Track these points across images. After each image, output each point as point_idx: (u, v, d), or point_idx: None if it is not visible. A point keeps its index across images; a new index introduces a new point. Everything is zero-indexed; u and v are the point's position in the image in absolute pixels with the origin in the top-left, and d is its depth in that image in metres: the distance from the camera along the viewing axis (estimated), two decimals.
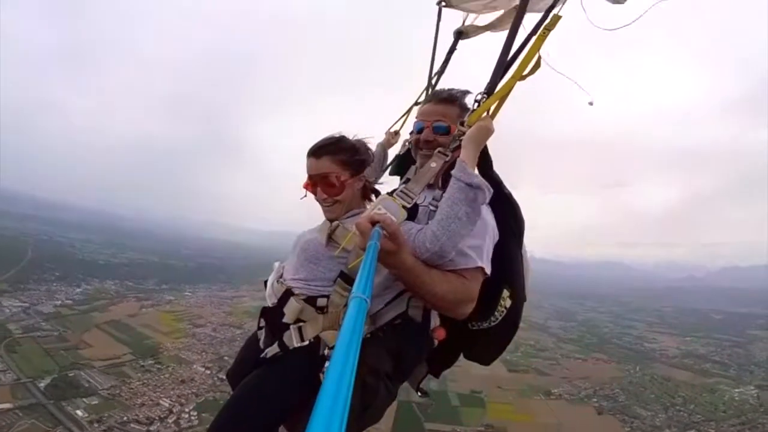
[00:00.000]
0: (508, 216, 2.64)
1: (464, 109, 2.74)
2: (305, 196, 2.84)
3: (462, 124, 2.47)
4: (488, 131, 2.41)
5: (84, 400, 55.39)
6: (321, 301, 2.49)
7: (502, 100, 2.49)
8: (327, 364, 2.32)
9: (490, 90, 2.49)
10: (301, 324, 2.47)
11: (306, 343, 2.44)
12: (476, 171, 2.32)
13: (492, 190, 2.27)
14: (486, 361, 2.86)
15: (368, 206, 2.64)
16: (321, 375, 2.30)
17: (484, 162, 2.61)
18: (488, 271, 2.40)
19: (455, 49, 3.56)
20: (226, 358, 70.20)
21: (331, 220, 2.67)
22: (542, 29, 2.50)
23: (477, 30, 3.49)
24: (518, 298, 2.64)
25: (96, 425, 51.09)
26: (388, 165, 3.64)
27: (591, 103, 2.69)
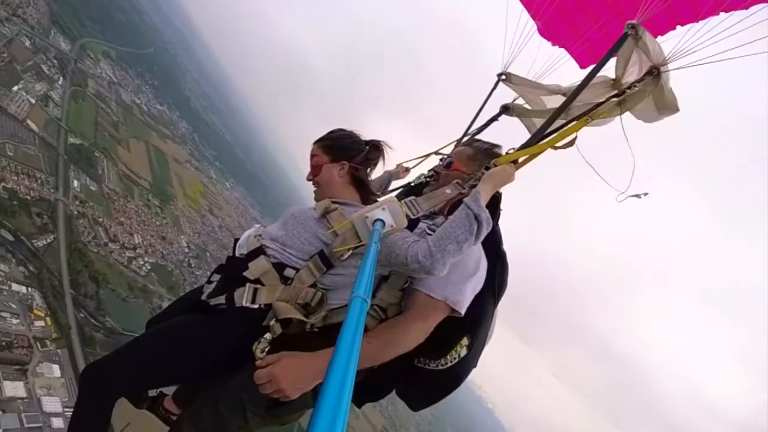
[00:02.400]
0: (497, 272, 2.59)
1: (479, 152, 2.84)
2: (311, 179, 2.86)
3: (487, 168, 2.49)
4: (509, 176, 2.46)
5: (87, 179, 57.55)
6: (288, 272, 2.38)
7: (531, 158, 2.55)
8: (267, 335, 2.27)
9: (522, 147, 2.59)
10: (258, 286, 2.36)
11: (255, 306, 2.32)
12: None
13: (491, 226, 2.24)
14: (417, 406, 2.76)
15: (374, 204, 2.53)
16: (256, 350, 2.23)
17: (494, 213, 2.50)
18: (462, 312, 2.33)
19: (496, 120, 3.67)
20: (207, 253, 71.85)
21: (317, 201, 2.64)
22: (584, 117, 2.58)
23: (522, 112, 3.57)
24: (474, 351, 2.55)
25: (78, 203, 52.96)
26: (391, 190, 3.75)
27: (638, 195, 2.69)
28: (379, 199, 2.67)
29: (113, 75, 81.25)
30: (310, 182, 2.76)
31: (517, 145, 2.63)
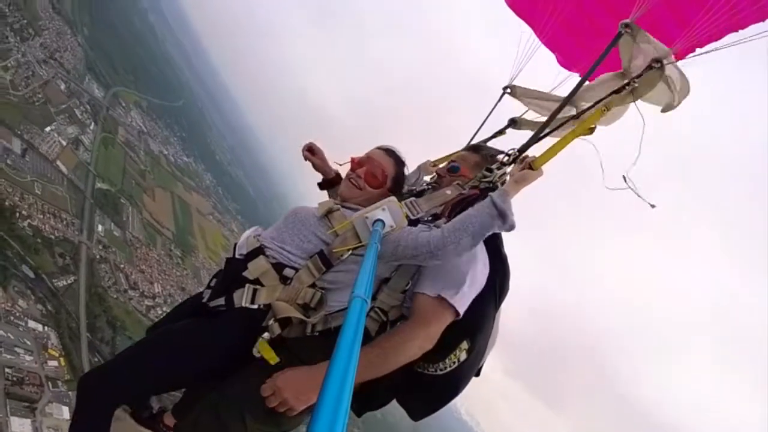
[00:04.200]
0: (497, 275, 2.55)
1: (486, 159, 2.83)
2: (343, 164, 2.91)
3: (489, 170, 2.56)
4: (538, 174, 2.40)
5: (112, 224, 57.63)
6: (288, 272, 2.38)
7: (556, 152, 2.48)
8: (265, 335, 2.30)
9: (522, 149, 2.61)
10: (257, 287, 2.35)
11: (255, 307, 2.32)
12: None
13: (513, 227, 2.24)
14: (417, 414, 2.69)
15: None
16: (254, 351, 2.26)
17: None
18: (461, 314, 2.31)
19: (504, 133, 3.60)
20: None
21: (344, 198, 2.64)
22: (601, 105, 2.63)
23: (530, 125, 3.50)
24: (475, 355, 2.51)
25: (101, 248, 52.79)
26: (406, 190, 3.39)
27: (653, 206, 2.71)
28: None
29: (143, 125, 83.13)
30: (352, 174, 2.69)
31: (517, 147, 2.64)
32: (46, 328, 39.23)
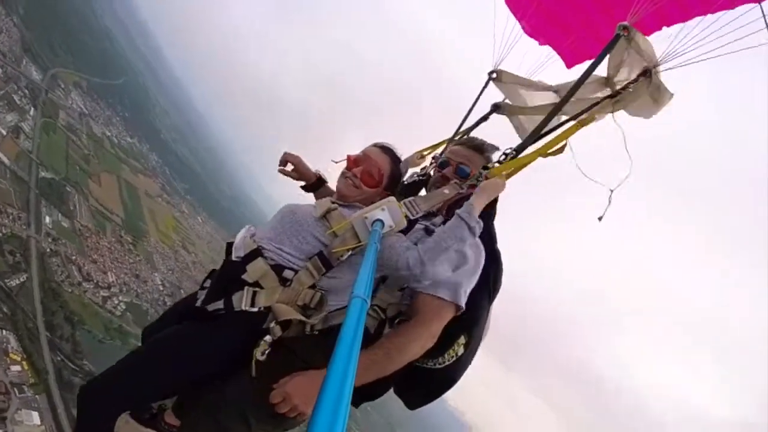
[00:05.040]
0: (491, 270, 2.62)
1: (489, 160, 2.86)
2: (339, 162, 2.87)
3: (485, 168, 2.57)
4: (501, 187, 2.48)
5: (59, 214, 55.18)
6: (287, 273, 2.37)
7: (521, 167, 2.60)
8: (267, 337, 2.26)
9: (518, 150, 2.61)
10: (256, 289, 2.34)
11: (254, 309, 2.31)
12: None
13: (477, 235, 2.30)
14: (414, 404, 2.76)
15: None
16: (256, 352, 2.23)
17: (489, 214, 2.65)
18: (463, 308, 2.38)
19: (487, 119, 3.62)
20: (182, 290, 68.95)
21: (342, 197, 2.64)
22: (577, 121, 2.64)
23: (513, 110, 3.57)
24: (471, 349, 2.61)
25: (50, 240, 50.67)
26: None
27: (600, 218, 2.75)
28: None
29: (84, 106, 79.31)
30: (348, 173, 2.69)
31: (514, 145, 2.66)
32: (4, 331, 37.64)
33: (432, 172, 3.26)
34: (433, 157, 3.40)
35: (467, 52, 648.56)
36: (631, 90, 2.67)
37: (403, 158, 2.87)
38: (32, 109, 61.75)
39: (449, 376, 2.60)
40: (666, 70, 2.62)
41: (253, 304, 2.32)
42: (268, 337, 2.26)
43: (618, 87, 2.74)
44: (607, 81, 2.82)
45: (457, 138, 3.55)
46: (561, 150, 2.59)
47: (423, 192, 3.18)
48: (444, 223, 2.52)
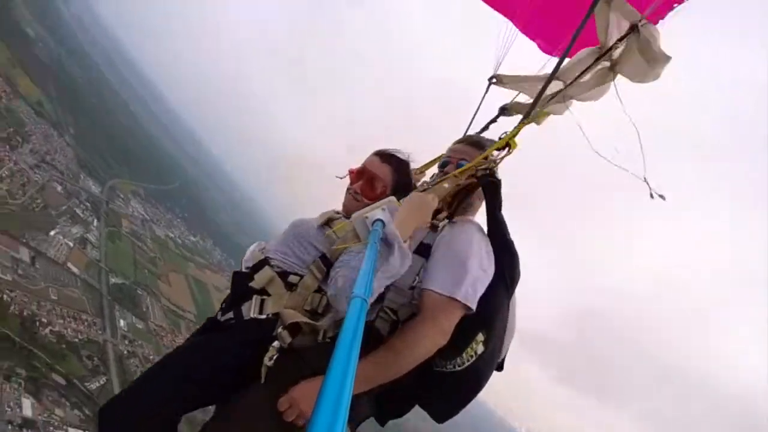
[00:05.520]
0: (505, 262, 2.56)
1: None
2: (343, 177, 2.85)
3: (485, 158, 2.58)
4: (428, 206, 2.33)
5: (133, 317, 56.25)
6: (293, 278, 2.39)
7: (455, 184, 2.57)
8: (275, 343, 2.22)
9: (513, 132, 2.66)
10: (264, 297, 2.36)
11: (263, 317, 2.32)
12: (407, 239, 2.21)
13: (410, 258, 2.16)
14: (441, 416, 2.62)
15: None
16: (266, 360, 2.19)
17: (494, 203, 2.65)
18: (473, 308, 2.31)
19: (495, 121, 3.58)
20: None
21: (347, 212, 2.60)
22: (522, 120, 2.66)
23: (521, 108, 3.42)
24: (493, 346, 2.49)
25: (127, 343, 51.36)
26: None
27: (662, 197, 2.64)
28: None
29: (145, 212, 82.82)
30: (351, 188, 2.67)
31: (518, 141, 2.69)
32: None
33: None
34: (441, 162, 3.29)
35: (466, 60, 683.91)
36: (619, 47, 2.66)
37: (410, 159, 2.81)
38: (95, 220, 65.08)
39: (472, 378, 2.47)
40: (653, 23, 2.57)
41: (261, 312, 2.32)
42: (276, 343, 2.23)
43: (609, 47, 2.73)
44: (601, 50, 2.77)
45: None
46: (509, 152, 2.61)
47: None
48: (448, 218, 2.64)
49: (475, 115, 3.68)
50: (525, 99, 3.53)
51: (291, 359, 2.16)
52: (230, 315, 2.33)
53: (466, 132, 3.60)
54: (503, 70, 3.58)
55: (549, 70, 3.16)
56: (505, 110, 3.53)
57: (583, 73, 2.71)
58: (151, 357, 52.87)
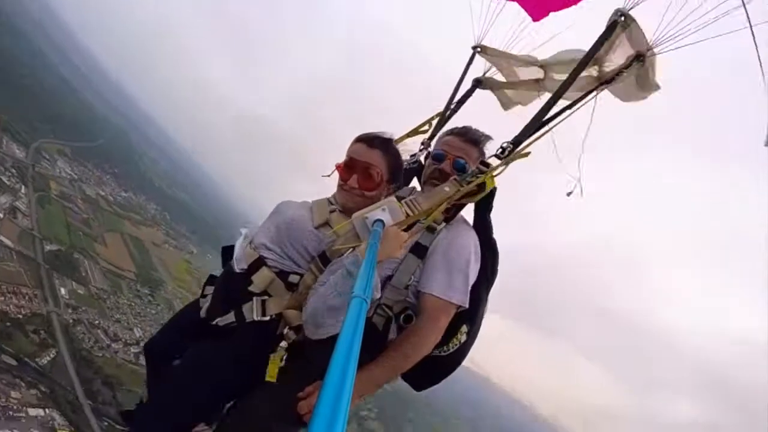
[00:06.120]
0: (489, 262, 2.75)
1: (482, 153, 2.89)
2: (330, 174, 2.79)
3: (485, 165, 2.51)
4: (397, 246, 2.23)
5: (73, 283, 54.09)
6: (293, 278, 2.44)
7: (429, 217, 2.50)
8: (282, 343, 2.35)
9: (515, 143, 2.52)
10: (265, 297, 2.41)
11: (266, 318, 2.39)
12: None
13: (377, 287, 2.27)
14: (421, 387, 2.91)
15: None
16: (275, 359, 2.32)
17: (485, 206, 2.75)
18: (466, 307, 2.52)
19: (470, 95, 3.59)
20: None
21: (347, 208, 2.58)
22: (506, 160, 2.54)
23: (494, 84, 3.55)
24: (473, 335, 2.74)
25: (70, 311, 49.54)
26: None
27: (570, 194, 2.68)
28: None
29: (73, 172, 78.17)
30: (345, 185, 2.62)
31: (509, 139, 2.59)
32: (47, 410, 36.13)
33: (423, 159, 3.33)
34: (422, 143, 3.41)
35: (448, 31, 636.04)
36: (625, 74, 2.63)
37: (392, 136, 2.80)
38: (23, 186, 61.33)
39: (454, 360, 2.74)
40: (660, 53, 2.55)
41: (264, 314, 2.38)
42: (284, 343, 2.36)
43: (606, 68, 2.69)
44: (595, 61, 2.72)
45: (447, 114, 3.56)
46: (482, 190, 2.56)
47: (415, 182, 3.27)
48: (445, 221, 2.65)
49: (458, 85, 3.58)
50: (509, 74, 3.54)
51: (298, 360, 2.35)
52: (231, 318, 2.37)
53: (449, 102, 3.55)
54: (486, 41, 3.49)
55: (533, 46, 3.28)
56: (479, 83, 3.55)
57: (570, 78, 2.60)
58: (97, 322, 51.79)
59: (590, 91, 2.64)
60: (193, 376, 2.43)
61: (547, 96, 2.68)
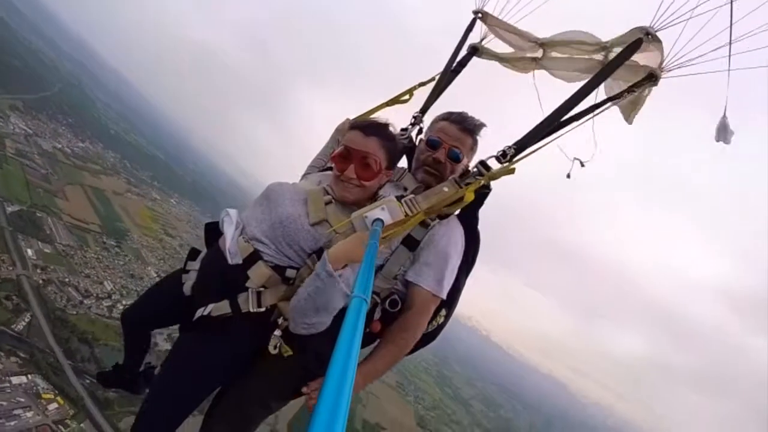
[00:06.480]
0: (471, 251, 2.84)
1: (476, 142, 2.92)
2: (324, 168, 2.93)
3: (485, 167, 2.41)
4: (357, 253, 2.18)
5: (39, 243, 54.79)
6: (290, 272, 2.40)
7: (402, 229, 2.31)
8: (276, 332, 2.37)
9: (519, 147, 2.38)
10: (261, 289, 2.39)
11: (262, 309, 2.38)
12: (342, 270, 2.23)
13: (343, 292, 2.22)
14: None
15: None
16: (271, 348, 2.37)
17: (478, 199, 2.68)
18: (444, 298, 2.68)
19: (466, 64, 3.44)
20: None
21: (345, 202, 2.53)
22: (476, 181, 2.39)
23: (490, 55, 3.43)
24: (448, 317, 2.89)
25: (39, 271, 50.70)
26: None
27: (582, 164, 2.61)
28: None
29: (27, 127, 76.19)
30: (343, 176, 2.50)
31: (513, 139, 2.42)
32: (29, 376, 38.33)
33: (415, 135, 3.23)
34: (413, 116, 3.25)
35: None
36: (636, 93, 2.56)
37: (387, 121, 2.72)
38: None
39: (431, 337, 2.88)
40: (674, 76, 2.46)
41: (259, 305, 2.35)
42: (277, 332, 2.35)
43: (621, 90, 2.60)
44: (599, 48, 2.72)
45: (435, 98, 3.35)
46: (457, 206, 2.47)
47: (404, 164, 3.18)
48: (439, 217, 2.59)
49: (456, 51, 3.40)
50: (498, 46, 3.39)
51: (294, 345, 2.38)
52: (225, 308, 2.35)
53: (446, 69, 3.38)
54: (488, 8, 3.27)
55: (536, 17, 3.12)
56: (476, 51, 3.40)
57: (584, 89, 2.40)
58: (67, 279, 52.78)
59: (598, 105, 2.53)
60: (192, 380, 2.45)
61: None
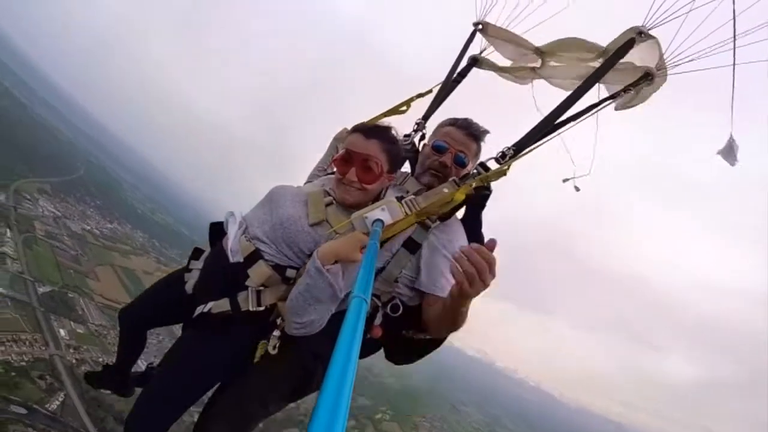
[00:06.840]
0: None
1: (480, 149, 2.89)
2: (327, 173, 2.88)
3: (484, 168, 2.48)
4: (351, 250, 2.20)
5: (71, 323, 54.14)
6: (290, 272, 2.42)
7: (399, 229, 2.39)
8: (275, 332, 2.35)
9: (518, 148, 2.47)
10: (261, 288, 2.41)
11: (262, 308, 2.39)
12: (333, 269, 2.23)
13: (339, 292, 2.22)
14: (399, 363, 2.98)
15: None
16: (264, 345, 2.35)
17: (480, 202, 2.77)
18: None
19: (466, 74, 3.45)
20: None
21: (346, 205, 2.53)
22: (473, 180, 2.47)
23: (490, 66, 3.44)
24: None
25: (72, 351, 49.52)
26: None
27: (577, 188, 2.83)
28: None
29: (55, 209, 77.80)
30: (344, 179, 2.51)
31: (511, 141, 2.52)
32: None
33: (417, 140, 3.28)
34: (416, 122, 3.31)
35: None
36: (632, 92, 2.61)
37: (390, 124, 2.75)
38: (8, 230, 60.47)
39: (435, 343, 2.77)
40: (671, 74, 2.50)
41: (259, 304, 2.38)
42: (276, 332, 2.35)
43: (619, 89, 2.65)
44: (599, 54, 2.66)
45: (434, 107, 3.42)
46: (454, 210, 2.64)
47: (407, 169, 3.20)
48: (440, 218, 2.65)
49: (457, 62, 3.45)
50: (498, 59, 3.44)
51: (292, 344, 2.37)
52: (225, 306, 2.37)
53: (447, 80, 3.42)
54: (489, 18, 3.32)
55: (535, 22, 3.13)
56: (476, 62, 3.43)
57: (578, 91, 2.51)
58: (100, 359, 50.70)
59: (595, 105, 2.59)
60: (191, 377, 2.46)
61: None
